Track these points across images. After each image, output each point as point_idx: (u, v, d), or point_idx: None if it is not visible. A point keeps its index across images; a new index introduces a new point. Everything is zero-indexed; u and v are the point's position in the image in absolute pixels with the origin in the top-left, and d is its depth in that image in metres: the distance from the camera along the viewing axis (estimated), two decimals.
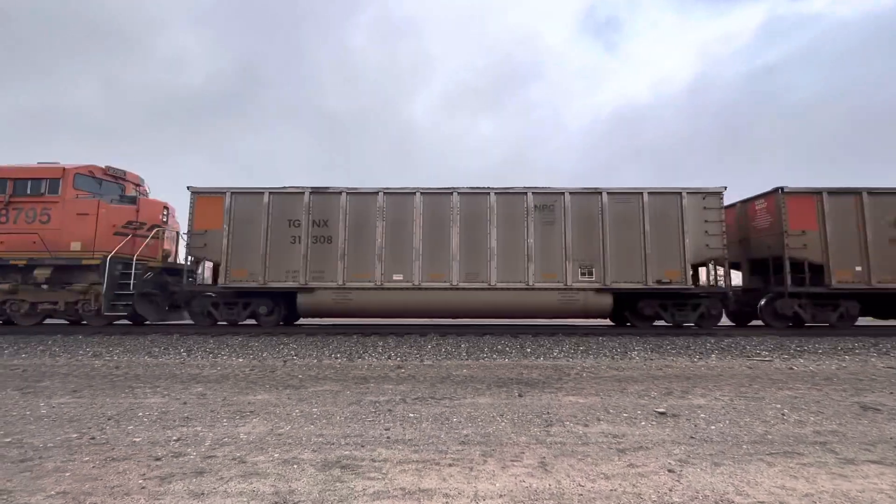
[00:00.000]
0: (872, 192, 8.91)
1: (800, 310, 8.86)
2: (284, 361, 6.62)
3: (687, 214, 8.69)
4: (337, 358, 6.85)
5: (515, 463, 2.78)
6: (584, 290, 8.54)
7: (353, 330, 8.57)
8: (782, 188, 8.92)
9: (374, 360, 6.78)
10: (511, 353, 7.12)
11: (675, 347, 7.41)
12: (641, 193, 8.74)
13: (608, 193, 8.82)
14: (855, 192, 8.90)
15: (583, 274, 8.58)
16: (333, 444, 3.14)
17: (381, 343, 7.53)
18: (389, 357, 6.89)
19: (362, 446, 3.09)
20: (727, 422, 3.73)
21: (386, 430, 3.48)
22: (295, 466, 2.70)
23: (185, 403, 4.25)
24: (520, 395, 4.64)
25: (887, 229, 8.86)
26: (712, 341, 7.73)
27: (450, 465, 2.75)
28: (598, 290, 8.56)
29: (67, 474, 2.55)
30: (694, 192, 8.75)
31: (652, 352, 7.19)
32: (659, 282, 8.55)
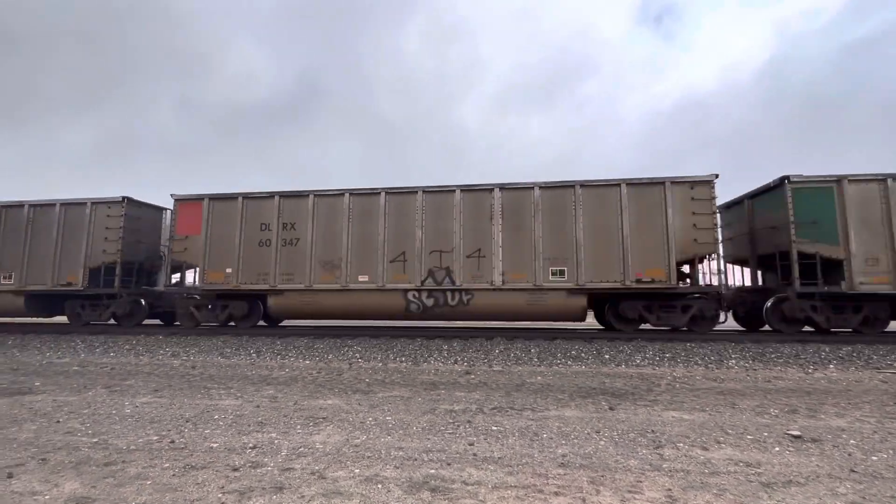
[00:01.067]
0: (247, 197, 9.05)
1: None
2: (350, 364, 6.49)
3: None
4: (402, 361, 6.62)
5: (636, 496, 2.31)
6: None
7: (416, 333, 8.34)
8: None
9: (441, 364, 6.48)
10: (587, 358, 6.54)
11: (781, 356, 6.46)
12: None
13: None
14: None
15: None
16: (416, 459, 2.83)
17: (445, 347, 7.23)
18: (456, 362, 6.56)
19: (448, 464, 2.75)
20: (891, 451, 3.00)
21: (470, 444, 3.12)
22: (379, 486, 2.41)
23: (258, 407, 4.16)
24: (611, 409, 4.11)
25: (256, 231, 8.97)
26: (827, 350, 6.66)
27: (556, 493, 2.34)
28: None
29: (148, 483, 2.43)
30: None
31: (754, 360, 6.31)
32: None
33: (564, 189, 8.24)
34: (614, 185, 8.11)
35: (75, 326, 9.83)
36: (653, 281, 7.74)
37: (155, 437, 3.24)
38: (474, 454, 2.93)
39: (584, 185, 8.20)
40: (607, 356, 6.60)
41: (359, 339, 7.89)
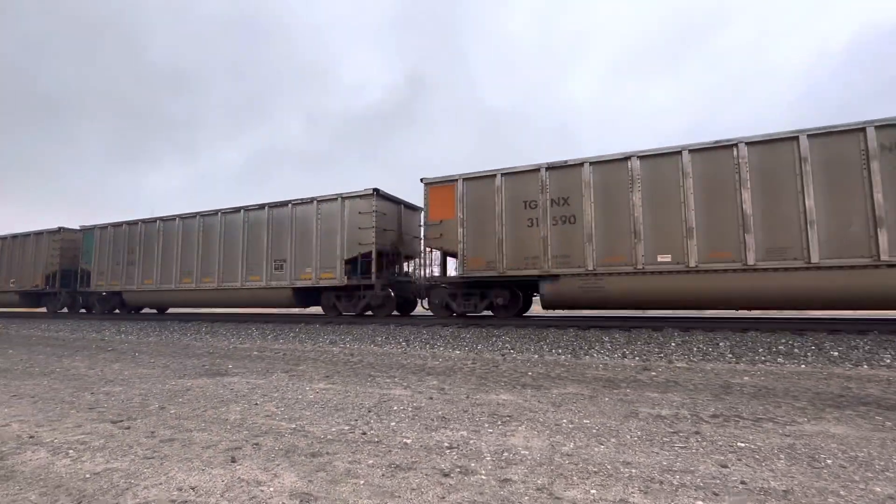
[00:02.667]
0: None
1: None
2: (503, 356, 6.08)
3: None
4: (560, 354, 5.99)
5: None
6: None
7: (566, 323, 7.64)
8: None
9: (606, 358, 5.69)
10: (804, 355, 5.14)
11: None
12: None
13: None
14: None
15: None
16: (661, 482, 2.18)
17: (606, 338, 6.39)
18: (624, 355, 5.70)
19: (716, 494, 2.05)
20: None
21: (722, 466, 2.37)
22: None
23: (431, 399, 3.92)
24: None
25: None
26: None
27: None
28: None
29: (362, 482, 2.20)
30: None
31: None
32: None
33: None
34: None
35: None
36: None
37: (346, 427, 3.13)
38: (742, 482, 2.17)
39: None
40: (835, 353, 5.10)
41: (504, 328, 7.46)
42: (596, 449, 2.65)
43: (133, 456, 2.57)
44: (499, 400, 3.85)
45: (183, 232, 12.20)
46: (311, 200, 10.41)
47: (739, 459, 2.45)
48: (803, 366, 4.85)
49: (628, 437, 2.86)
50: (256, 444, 2.78)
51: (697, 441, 2.75)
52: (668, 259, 6.91)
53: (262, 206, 11.01)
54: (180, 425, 3.19)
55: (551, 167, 7.91)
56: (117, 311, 14.37)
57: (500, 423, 3.19)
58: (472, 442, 2.79)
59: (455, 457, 2.54)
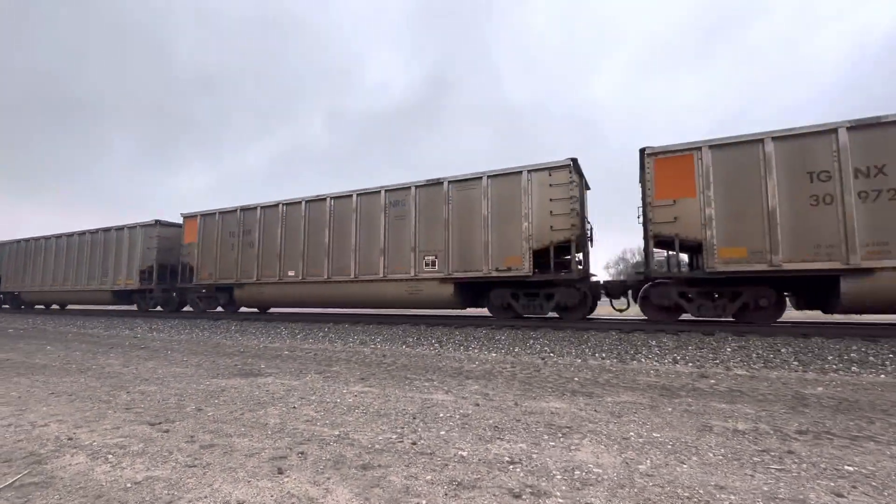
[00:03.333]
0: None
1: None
2: (543, 359, 5.79)
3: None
4: (604, 358, 5.66)
5: None
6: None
7: (606, 325, 7.27)
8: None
9: (656, 363, 5.34)
10: (882, 364, 4.69)
11: None
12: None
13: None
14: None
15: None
16: None
17: (653, 342, 6.02)
18: (676, 361, 5.34)
19: None
20: None
21: (838, 496, 2.04)
22: None
23: (477, 405, 3.67)
24: None
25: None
26: None
27: None
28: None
29: (424, 503, 1.97)
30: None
31: None
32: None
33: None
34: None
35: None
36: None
37: (393, 436, 2.91)
38: None
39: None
40: None
41: (541, 330, 7.16)
42: (678, 469, 2.35)
43: (174, 463, 2.41)
44: (551, 408, 3.58)
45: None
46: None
47: (854, 486, 2.12)
48: (883, 375, 4.40)
49: (710, 455, 2.55)
50: (302, 452, 2.58)
51: (794, 462, 2.42)
52: None
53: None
54: (219, 429, 3.03)
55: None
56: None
57: (560, 435, 2.91)
58: (535, 457, 2.53)
59: (521, 474, 2.28)
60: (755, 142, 6.60)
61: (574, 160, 8.02)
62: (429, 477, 2.24)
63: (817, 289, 6.69)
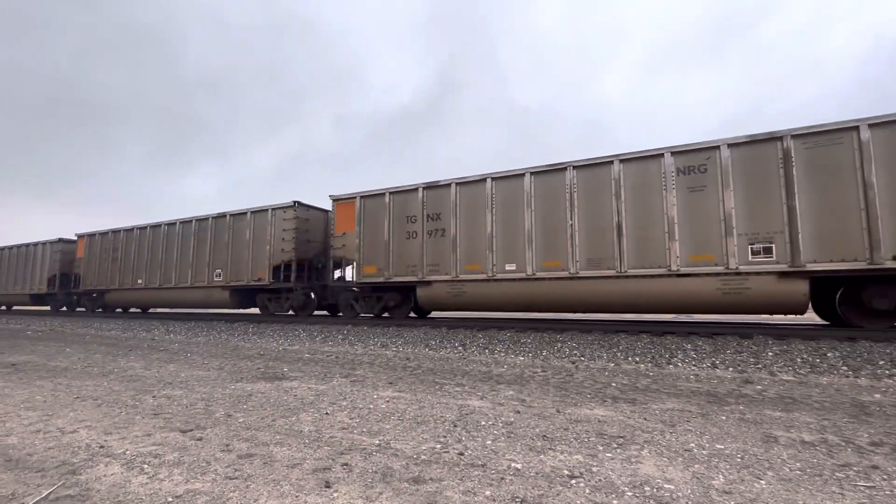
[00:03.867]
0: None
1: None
2: (573, 363, 5.60)
3: None
4: (638, 362, 5.46)
5: None
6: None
7: (637, 328, 7.06)
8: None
9: (694, 367, 5.12)
10: None
11: None
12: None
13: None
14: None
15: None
16: None
17: (687, 345, 5.80)
18: (715, 365, 5.12)
19: None
20: None
21: None
22: None
23: (518, 412, 3.50)
24: None
25: None
26: None
27: None
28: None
29: None
30: None
31: None
32: None
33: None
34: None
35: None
36: None
37: (437, 445, 2.75)
38: None
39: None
40: None
41: (568, 333, 6.96)
42: (756, 485, 2.16)
43: (213, 475, 2.27)
44: (596, 416, 3.40)
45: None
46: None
47: None
48: None
49: (786, 469, 2.35)
50: (346, 464, 2.44)
51: (884, 479, 2.22)
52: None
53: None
54: (254, 437, 2.90)
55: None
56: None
57: (615, 445, 2.74)
58: (595, 470, 2.36)
59: (586, 490, 2.11)
60: (381, 194, 10.20)
61: (297, 202, 11.79)
62: (488, 493, 2.08)
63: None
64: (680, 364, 5.24)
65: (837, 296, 6.36)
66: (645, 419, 3.29)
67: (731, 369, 4.93)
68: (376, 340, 7.60)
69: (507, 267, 8.19)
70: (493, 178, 8.53)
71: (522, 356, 6.06)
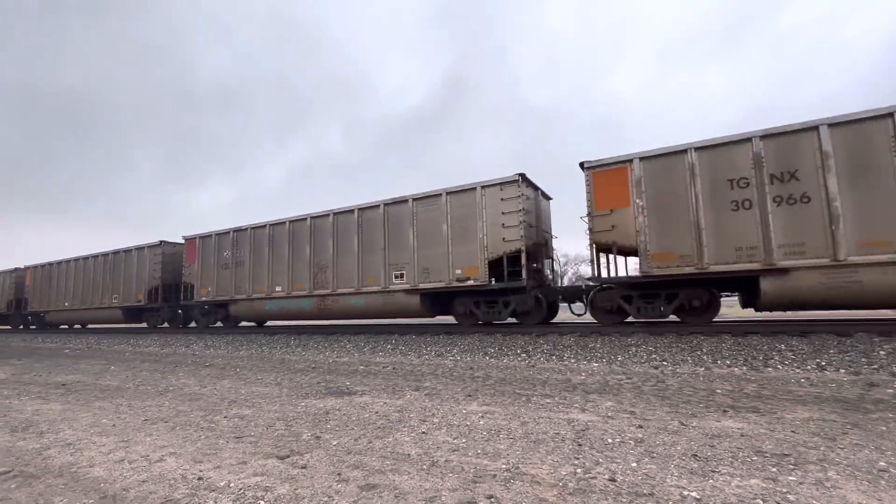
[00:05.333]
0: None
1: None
2: (656, 368, 5.18)
3: None
4: (730, 365, 5.02)
5: None
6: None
7: (712, 329, 6.57)
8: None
9: (798, 370, 4.67)
10: None
11: None
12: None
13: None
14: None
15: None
16: None
17: (780, 346, 5.34)
18: (822, 367, 4.66)
19: None
20: None
21: None
22: None
23: (640, 427, 3.12)
24: None
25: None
26: None
27: None
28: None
29: None
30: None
31: None
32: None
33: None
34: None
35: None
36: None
37: (578, 470, 2.39)
38: None
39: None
40: None
41: (635, 336, 6.54)
42: None
43: None
44: (729, 428, 3.00)
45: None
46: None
47: None
48: None
49: None
50: (491, 496, 2.09)
51: None
52: None
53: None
54: (362, 464, 2.58)
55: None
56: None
57: (788, 465, 2.34)
58: (792, 499, 1.97)
59: None
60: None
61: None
62: None
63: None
64: (780, 366, 4.79)
65: None
66: (793, 432, 2.89)
67: (842, 371, 4.47)
68: (429, 350, 7.27)
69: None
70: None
71: (596, 362, 5.65)
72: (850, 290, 5.66)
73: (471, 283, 8.75)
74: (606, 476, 2.29)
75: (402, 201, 9.67)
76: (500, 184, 8.74)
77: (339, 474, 2.42)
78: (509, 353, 6.47)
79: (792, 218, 6.18)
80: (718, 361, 5.11)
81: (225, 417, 3.83)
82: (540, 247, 9.21)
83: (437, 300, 9.48)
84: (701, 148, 6.91)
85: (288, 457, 2.73)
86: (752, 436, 2.84)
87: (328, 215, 10.74)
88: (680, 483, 2.17)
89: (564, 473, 2.35)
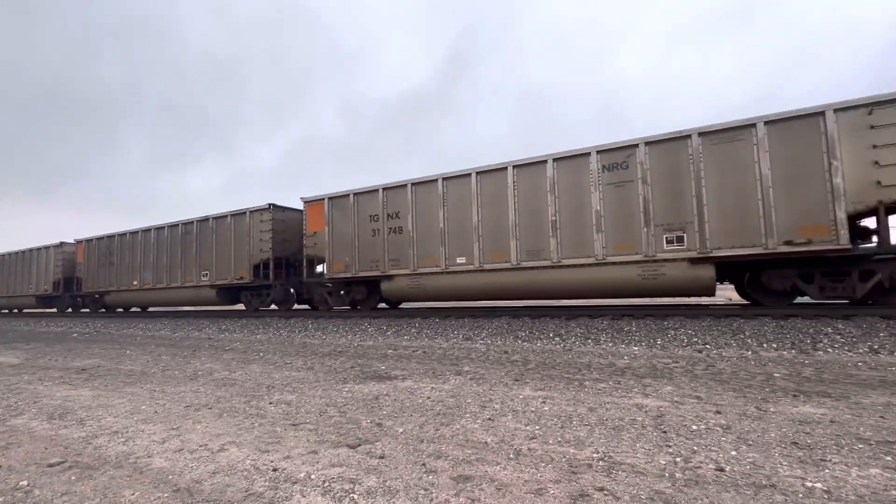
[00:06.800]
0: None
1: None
2: (700, 352, 5.07)
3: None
4: (777, 349, 4.91)
5: None
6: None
7: (728, 311, 6.44)
8: None
9: (850, 353, 4.56)
10: None
11: None
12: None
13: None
14: None
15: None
16: None
17: (827, 328, 5.23)
18: (875, 350, 4.55)
19: None
20: None
21: None
22: None
23: (718, 413, 2.98)
24: None
25: None
26: None
27: None
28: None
29: None
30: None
31: None
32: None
33: None
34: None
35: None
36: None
37: (677, 459, 2.25)
38: None
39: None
40: None
41: (672, 319, 6.41)
42: None
43: None
44: (815, 414, 2.87)
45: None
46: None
47: None
48: None
49: None
50: (601, 487, 1.95)
51: None
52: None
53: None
54: (441, 453, 2.43)
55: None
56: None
57: None
58: None
59: None
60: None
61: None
62: None
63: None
64: (830, 350, 4.68)
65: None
66: (881, 417, 2.77)
67: None
68: (456, 333, 7.14)
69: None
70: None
71: (635, 346, 5.54)
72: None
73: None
74: (712, 466, 2.15)
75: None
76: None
77: (423, 465, 2.27)
78: (542, 336, 6.34)
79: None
80: (764, 345, 5.00)
81: (270, 403, 3.68)
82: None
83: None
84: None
85: (359, 445, 2.58)
86: (841, 422, 2.71)
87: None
88: (795, 473, 2.04)
89: (663, 462, 2.22)
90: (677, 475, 2.07)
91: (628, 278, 7.01)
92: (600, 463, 2.24)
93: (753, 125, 6.46)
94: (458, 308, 10.57)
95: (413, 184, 9.54)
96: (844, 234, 5.78)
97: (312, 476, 2.17)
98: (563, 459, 2.29)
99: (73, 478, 2.28)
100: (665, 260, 6.79)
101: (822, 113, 6.07)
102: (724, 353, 4.90)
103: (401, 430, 2.85)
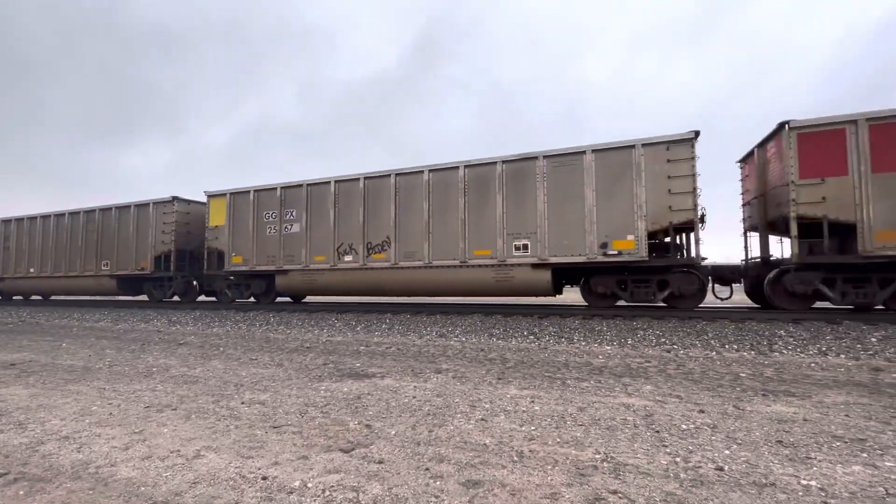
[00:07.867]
0: None
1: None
2: (669, 352, 5.28)
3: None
4: (737, 350, 5.20)
5: None
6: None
7: (711, 314, 6.80)
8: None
9: (803, 355, 4.91)
10: None
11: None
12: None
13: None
14: None
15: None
16: None
17: (780, 332, 5.61)
18: (823, 353, 4.93)
19: None
20: None
21: None
22: None
23: (702, 411, 3.08)
24: None
25: None
26: None
27: None
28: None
29: None
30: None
31: None
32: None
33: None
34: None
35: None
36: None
37: (677, 459, 2.29)
38: None
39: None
40: None
41: (640, 320, 6.64)
42: None
43: None
44: (787, 413, 3.04)
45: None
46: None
47: None
48: None
49: None
50: (614, 490, 1.93)
51: None
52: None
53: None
54: (442, 456, 2.33)
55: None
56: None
57: (878, 450, 2.36)
58: None
59: None
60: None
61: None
62: None
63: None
64: (785, 351, 5.03)
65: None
66: (846, 416, 2.97)
67: (843, 356, 4.77)
68: (429, 330, 7.03)
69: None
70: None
71: (608, 345, 5.69)
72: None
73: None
74: (712, 465, 2.20)
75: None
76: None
77: (426, 469, 2.16)
78: (516, 334, 6.38)
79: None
80: (726, 346, 5.30)
81: (243, 403, 3.42)
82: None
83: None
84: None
85: (353, 449, 2.43)
86: (813, 420, 2.88)
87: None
88: (788, 471, 2.13)
89: (663, 462, 2.24)
90: (682, 475, 2.09)
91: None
92: (605, 464, 2.23)
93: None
94: (430, 304, 10.47)
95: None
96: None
97: (309, 485, 2.00)
98: (568, 461, 2.27)
99: (20, 493, 1.98)
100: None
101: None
102: (690, 354, 5.14)
103: (393, 432, 2.72)
